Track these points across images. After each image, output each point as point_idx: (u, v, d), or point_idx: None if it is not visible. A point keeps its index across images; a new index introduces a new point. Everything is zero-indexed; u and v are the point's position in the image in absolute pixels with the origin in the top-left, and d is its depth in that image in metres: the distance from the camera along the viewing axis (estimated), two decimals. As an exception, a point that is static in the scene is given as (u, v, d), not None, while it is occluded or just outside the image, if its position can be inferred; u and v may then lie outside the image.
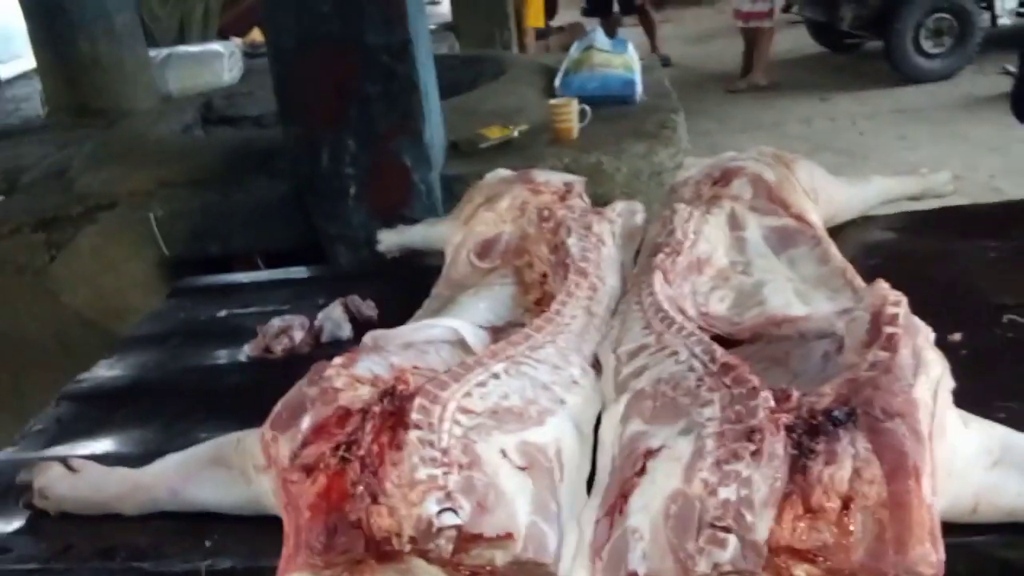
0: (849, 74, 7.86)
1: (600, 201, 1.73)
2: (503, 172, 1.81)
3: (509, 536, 0.85)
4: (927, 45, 7.24)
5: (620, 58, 3.18)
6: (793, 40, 8.88)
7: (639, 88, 3.04)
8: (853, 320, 1.02)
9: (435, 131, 2.40)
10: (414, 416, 0.91)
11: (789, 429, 0.83)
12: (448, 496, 0.85)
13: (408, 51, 2.20)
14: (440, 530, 0.83)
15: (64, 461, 1.14)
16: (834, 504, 0.79)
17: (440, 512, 0.84)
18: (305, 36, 2.21)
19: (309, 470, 0.92)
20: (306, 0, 2.15)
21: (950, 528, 0.81)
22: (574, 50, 3.36)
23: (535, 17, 6.76)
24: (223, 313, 1.74)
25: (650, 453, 0.90)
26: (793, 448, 0.82)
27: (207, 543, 1.02)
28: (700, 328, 1.14)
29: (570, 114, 2.64)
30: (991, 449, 0.89)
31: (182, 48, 5.28)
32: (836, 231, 1.57)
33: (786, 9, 8.33)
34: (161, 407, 1.39)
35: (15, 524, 1.12)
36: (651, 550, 0.81)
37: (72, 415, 1.40)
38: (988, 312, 1.29)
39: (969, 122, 5.94)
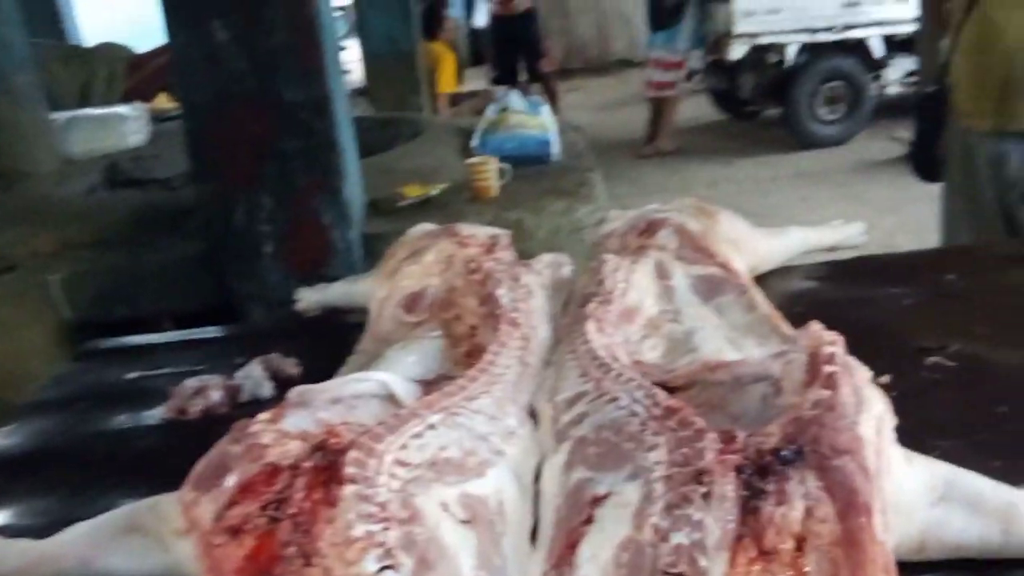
0: (751, 140, 8.19)
1: (524, 257, 1.72)
2: (426, 226, 1.78)
3: (453, 593, 0.80)
4: (822, 112, 7.63)
5: (535, 119, 3.23)
6: (696, 108, 9.22)
7: (555, 148, 3.08)
8: (789, 362, 1.02)
9: (354, 188, 2.37)
10: (349, 470, 0.86)
11: (738, 470, 0.82)
12: (388, 553, 0.80)
13: (326, 107, 2.18)
14: (379, 590, 0.78)
15: (-42, 535, 1.05)
16: (787, 545, 0.77)
17: (380, 570, 0.79)
18: (220, 92, 2.17)
19: (235, 532, 0.86)
20: (221, 56, 2.11)
21: (899, 568, 0.80)
22: (490, 111, 3.40)
23: (447, 82, 6.84)
24: (133, 375, 1.65)
25: (597, 500, 0.87)
26: (743, 489, 0.80)
27: (121, 618, 0.94)
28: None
29: (489, 172, 2.65)
30: (935, 486, 0.89)
31: (85, 111, 5.14)
32: (759, 280, 1.59)
33: (688, 79, 8.65)
34: (67, 475, 1.29)
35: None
36: (603, 602, 0.78)
37: (-32, 487, 1.30)
38: (912, 355, 1.32)
39: (865, 184, 6.23)
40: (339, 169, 2.25)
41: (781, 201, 5.96)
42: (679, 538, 0.78)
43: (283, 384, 1.47)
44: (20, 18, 3.93)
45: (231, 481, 0.90)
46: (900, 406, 0.93)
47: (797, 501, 0.78)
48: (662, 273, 1.50)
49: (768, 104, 8.28)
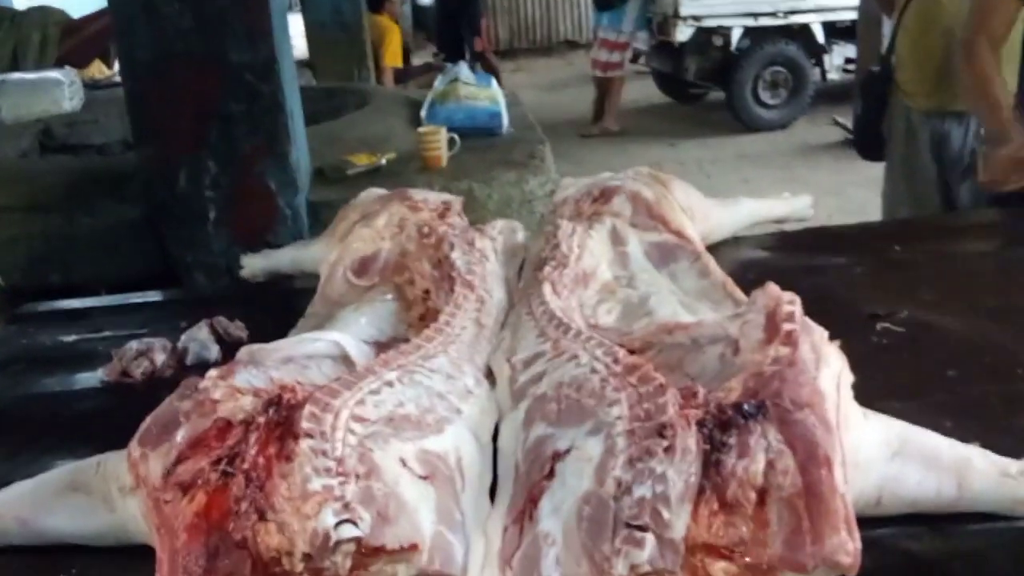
0: (694, 122, 8.26)
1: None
2: (377, 191, 1.75)
3: (414, 547, 0.78)
4: (765, 96, 7.73)
5: (485, 91, 3.20)
6: (640, 90, 9.27)
7: (505, 120, 3.06)
8: (746, 323, 1.02)
9: (301, 154, 2.32)
10: (304, 425, 0.84)
11: (700, 424, 0.81)
12: (346, 507, 0.78)
13: (273, 70, 2.12)
14: (338, 544, 0.76)
15: None
16: (749, 497, 0.77)
17: (338, 524, 0.77)
18: (163, 51, 2.10)
19: (185, 487, 0.83)
20: (164, 13, 2.04)
21: (857, 523, 0.80)
22: (439, 83, 3.36)
23: (393, 56, 6.75)
24: (71, 338, 1.60)
25: (558, 455, 0.86)
26: (705, 443, 0.80)
27: (64, 577, 0.90)
28: (592, 337, 1.11)
29: (439, 142, 2.62)
30: (891, 442, 0.90)
31: (17, 74, 4.94)
32: (710, 250, 1.59)
33: (633, 60, 8.68)
34: (5, 437, 1.24)
35: None
36: (564, 555, 0.77)
37: None
38: (861, 321, 1.34)
39: (806, 167, 6.33)
40: (286, 133, 2.19)
41: (723, 183, 6.02)
42: (642, 491, 0.77)
43: (230, 347, 1.43)
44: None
45: (181, 436, 0.87)
46: (853, 370, 0.94)
47: (759, 454, 0.78)
48: (616, 239, 1.50)
49: (712, 87, 8.35)
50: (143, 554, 0.88)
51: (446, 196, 1.72)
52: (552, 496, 0.82)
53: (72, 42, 6.79)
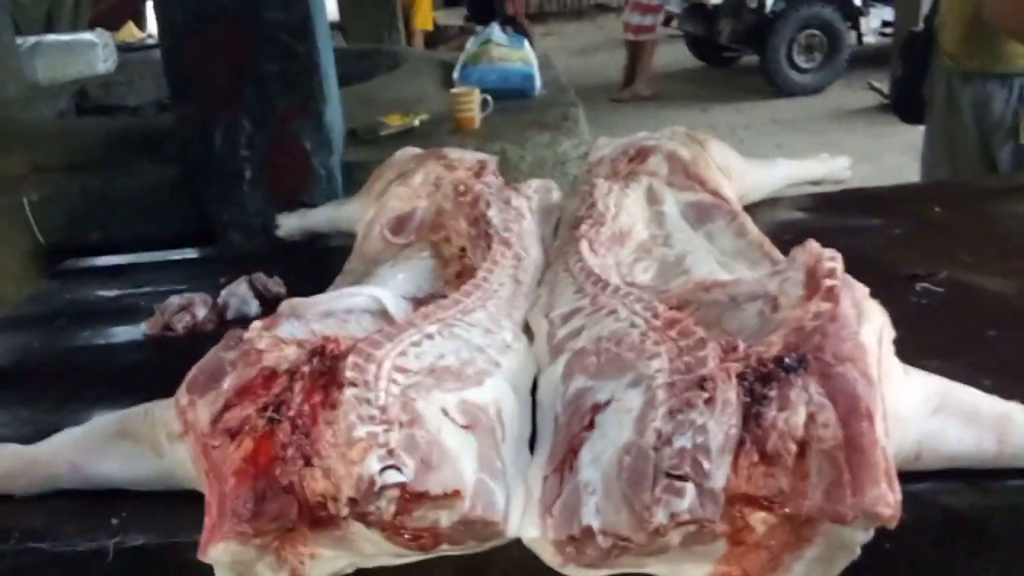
0: (727, 87, 8.17)
1: (508, 186, 1.70)
2: (413, 150, 1.76)
3: (456, 494, 0.80)
4: (800, 60, 7.61)
5: (518, 52, 3.18)
6: (673, 54, 9.16)
7: (538, 82, 3.05)
8: (786, 280, 1.02)
9: (335, 115, 2.33)
10: (348, 374, 0.85)
11: (740, 377, 0.82)
12: (390, 453, 0.79)
13: (308, 28, 2.12)
14: (382, 489, 0.78)
15: (-57, 441, 1.03)
16: (790, 449, 0.77)
17: (382, 470, 0.78)
18: (199, 10, 2.10)
19: (233, 434, 0.85)
20: (200, -28, 2.05)
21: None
22: (471, 44, 3.34)
23: (423, 20, 6.72)
24: (113, 293, 1.62)
25: (598, 407, 0.87)
26: (745, 396, 0.80)
27: (113, 521, 0.93)
28: (630, 294, 1.12)
29: (472, 103, 2.61)
30: (931, 398, 0.90)
31: (52, 36, 4.98)
32: (747, 210, 1.58)
33: (666, 23, 8.57)
34: (50, 388, 1.27)
35: None
36: (604, 503, 0.78)
37: (-55, 398, 1.27)
38: (900, 281, 1.33)
39: (840, 132, 6.25)
40: (320, 93, 2.19)
41: (756, 148, 5.94)
42: (682, 442, 0.78)
43: (269, 303, 1.45)
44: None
45: (228, 384, 0.89)
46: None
47: (800, 407, 0.79)
48: (653, 198, 1.49)
49: (745, 50, 8.24)
50: (189, 499, 0.91)
51: (481, 155, 1.72)
52: (592, 446, 0.83)
53: (105, 5, 6.84)
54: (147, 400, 1.00)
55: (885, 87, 6.63)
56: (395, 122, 2.60)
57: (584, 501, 0.80)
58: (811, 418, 0.78)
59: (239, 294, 1.47)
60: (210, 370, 0.92)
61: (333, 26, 6.55)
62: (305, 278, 1.50)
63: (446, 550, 0.85)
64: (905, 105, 2.73)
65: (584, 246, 1.26)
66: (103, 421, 1.02)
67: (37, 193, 2.41)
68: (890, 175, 4.83)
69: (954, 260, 1.38)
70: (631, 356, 0.91)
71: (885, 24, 7.82)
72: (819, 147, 1.91)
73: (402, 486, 0.78)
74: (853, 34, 7.82)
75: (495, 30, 3.44)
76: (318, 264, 1.71)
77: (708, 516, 0.75)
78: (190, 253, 1.86)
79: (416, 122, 2.64)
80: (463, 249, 1.44)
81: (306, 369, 0.87)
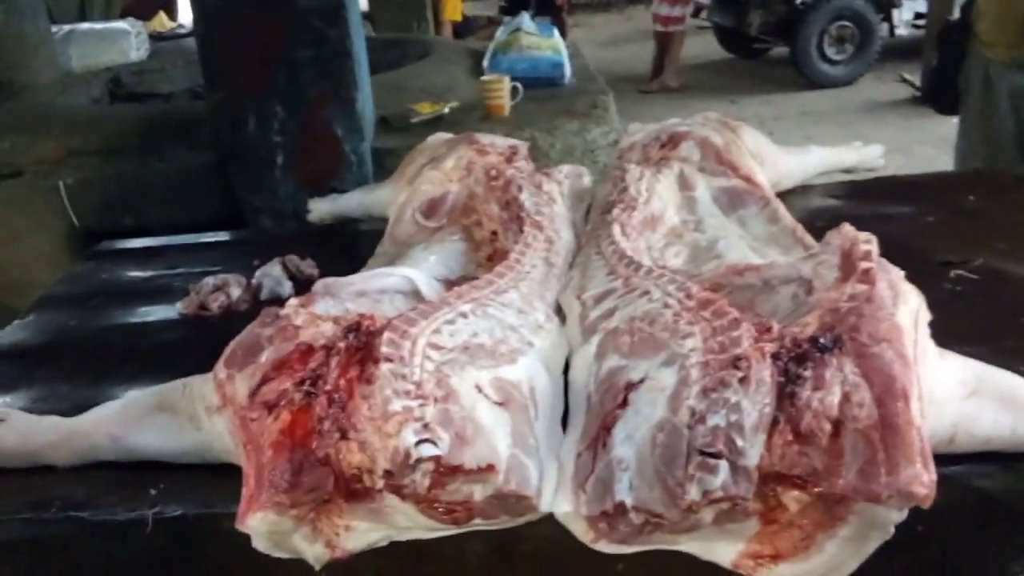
0: (756, 79, 8.09)
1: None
2: (444, 135, 1.77)
3: (491, 468, 0.81)
4: (830, 52, 7.53)
5: (548, 41, 3.18)
6: (701, 46, 9.10)
7: (568, 70, 3.04)
8: (820, 263, 1.02)
9: (366, 101, 2.34)
10: (384, 349, 0.86)
11: (775, 357, 0.82)
12: (426, 427, 0.80)
13: (340, 14, 2.14)
14: (417, 462, 0.79)
15: (-13, 412, 1.05)
16: (824, 428, 0.77)
17: (418, 443, 0.79)
18: (232, -4, 2.12)
19: (270, 407, 0.86)
20: (234, -42, 2.06)
21: (930, 457, 0.80)
22: (501, 33, 3.35)
23: (452, 10, 6.72)
24: (148, 274, 1.65)
25: (631, 385, 0.87)
26: (780, 375, 0.80)
27: (152, 492, 0.94)
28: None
29: (502, 91, 2.62)
30: (966, 380, 0.89)
31: (86, 24, 5.04)
32: (779, 197, 1.58)
33: (694, 14, 8.51)
34: (88, 364, 1.30)
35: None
36: (638, 480, 0.79)
37: (-14, 373, 1.30)
38: (934, 268, 1.32)
39: (871, 125, 6.18)
40: (352, 79, 2.21)
41: (786, 140, 5.87)
42: (716, 420, 0.78)
43: (302, 284, 1.47)
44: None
45: (265, 358, 0.90)
46: (926, 314, 0.93)
47: (835, 386, 0.78)
48: (685, 184, 1.49)
49: (776, 42, 8.16)
50: (226, 472, 0.92)
51: (513, 141, 1.72)
52: (626, 424, 0.84)
53: (137, -4, 6.89)
54: (183, 376, 1.02)
55: (917, 80, 6.57)
56: (425, 110, 2.62)
57: (617, 477, 0.80)
58: (846, 398, 0.78)
59: (273, 275, 1.49)
60: (248, 345, 0.93)
61: (362, 16, 6.59)
62: (337, 261, 1.52)
63: (479, 525, 0.86)
64: (939, 95, 2.70)
65: (616, 229, 1.26)
66: (142, 395, 1.04)
67: (72, 177, 2.45)
68: (922, 167, 4.75)
69: (989, 248, 1.36)
70: (665, 336, 0.91)
71: (918, 16, 7.72)
72: (849, 139, 1.90)
73: (437, 459, 0.79)
74: (885, 26, 7.73)
75: (525, 19, 3.44)
76: (350, 247, 1.72)
77: (741, 493, 0.76)
78: (224, 236, 1.88)
79: (446, 110, 2.65)
80: (494, 233, 1.45)
81: (342, 345, 0.88)
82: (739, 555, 0.83)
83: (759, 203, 1.45)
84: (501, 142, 1.69)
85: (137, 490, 0.95)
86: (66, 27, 4.81)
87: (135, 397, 1.03)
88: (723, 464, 0.76)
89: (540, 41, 3.15)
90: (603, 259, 1.20)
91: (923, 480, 0.74)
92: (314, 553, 0.86)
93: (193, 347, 1.10)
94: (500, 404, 0.88)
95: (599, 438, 0.85)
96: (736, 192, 1.48)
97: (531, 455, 0.85)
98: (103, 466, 1.00)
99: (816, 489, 0.78)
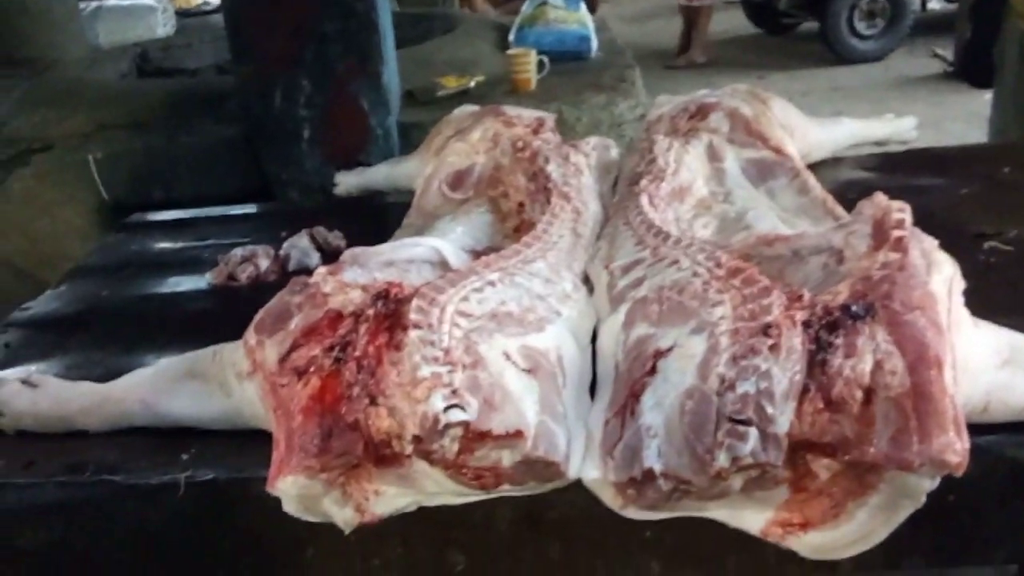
0: (785, 54, 7.98)
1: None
2: (470, 107, 1.76)
3: (519, 434, 0.81)
4: (861, 27, 7.40)
5: (574, 15, 3.16)
6: (729, 21, 8.98)
7: (594, 44, 3.02)
8: (852, 233, 1.00)
9: (392, 75, 2.33)
10: (413, 316, 0.87)
11: (806, 325, 0.81)
12: (454, 393, 0.80)
13: (367, -13, 2.12)
14: (446, 428, 0.79)
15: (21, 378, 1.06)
16: (855, 396, 0.77)
17: (446, 409, 0.79)
18: (260, -31, 2.12)
19: (300, 372, 0.87)
20: (261, -69, 2.06)
21: (964, 426, 0.79)
22: (527, 6, 3.32)
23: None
24: (178, 246, 1.66)
25: (660, 353, 0.87)
26: (811, 343, 0.80)
27: (183, 456, 0.96)
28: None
29: (528, 64, 2.60)
30: (1000, 349, 0.88)
31: (113, 0, 5.07)
32: (809, 169, 1.56)
33: (723, -11, 8.41)
34: (120, 332, 1.31)
35: (-36, 444, 1.03)
36: (666, 447, 0.79)
37: (22, 341, 1.31)
38: (968, 240, 1.30)
39: (902, 101, 6.08)
40: (379, 53, 2.20)
41: (815, 116, 5.84)
42: (745, 387, 0.77)
43: (329, 256, 1.47)
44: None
45: (295, 324, 0.90)
46: (959, 286, 0.92)
47: (866, 354, 0.78)
48: (713, 155, 1.48)
49: (805, 16, 8.04)
50: (255, 437, 0.93)
51: (539, 113, 1.71)
52: (654, 391, 0.83)
53: (163, -30, 6.90)
54: (213, 344, 1.03)
55: (949, 54, 6.46)
56: (451, 84, 2.61)
57: (646, 444, 0.80)
58: (878, 366, 0.77)
59: (300, 246, 1.49)
60: (277, 312, 0.94)
61: (387, -9, 6.58)
62: (364, 232, 1.51)
63: (507, 491, 0.86)
64: (973, 69, 2.68)
65: (644, 200, 1.26)
66: (173, 362, 1.05)
67: (102, 151, 2.47)
68: (953, 143, 4.67)
69: (1023, 219, 1.34)
70: (694, 304, 0.91)
71: (951, -10, 7.59)
72: (879, 115, 1.87)
73: (465, 425, 0.79)
74: (917, 0, 7.60)
75: (551, -8, 3.41)
76: (377, 219, 1.73)
77: (771, 460, 0.75)
78: (252, 208, 1.89)
79: (472, 84, 2.64)
80: (521, 204, 1.44)
81: (371, 312, 0.89)
82: (768, 523, 0.83)
83: (789, 174, 1.43)
84: (528, 114, 1.68)
85: (169, 455, 0.97)
86: (94, 3, 4.86)
87: (166, 364, 1.04)
88: (752, 431, 0.76)
89: (567, 15, 3.12)
90: (631, 230, 1.19)
91: (956, 448, 0.74)
92: (343, 517, 0.86)
93: (222, 317, 1.11)
94: (528, 371, 0.88)
95: (627, 405, 0.85)
96: (765, 163, 1.46)
97: (559, 422, 0.85)
98: (135, 431, 1.02)
99: (846, 457, 0.77)
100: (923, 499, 0.76)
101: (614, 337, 0.97)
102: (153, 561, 0.97)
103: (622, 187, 1.44)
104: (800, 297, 0.85)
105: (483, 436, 0.80)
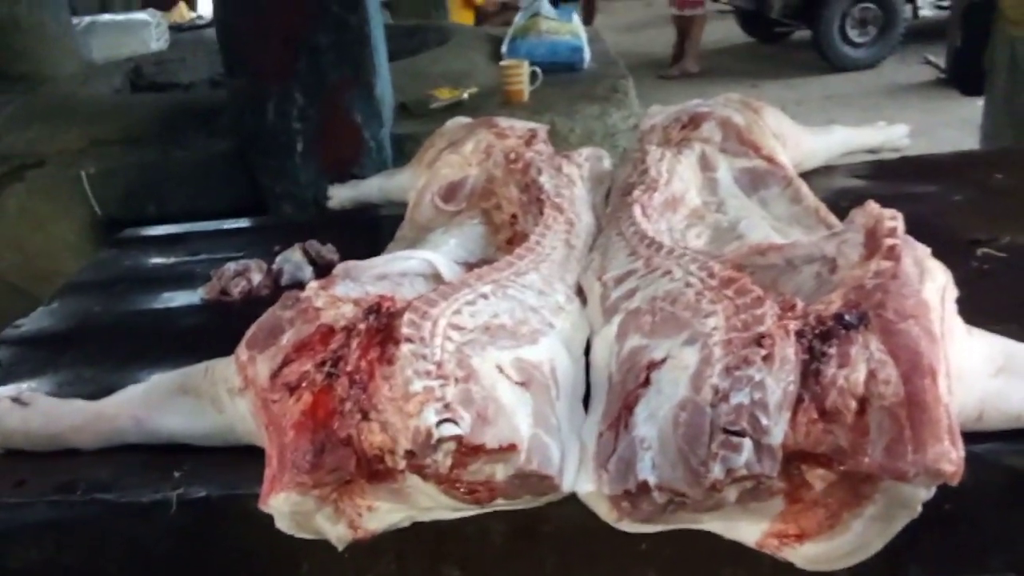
0: (778, 62, 8.03)
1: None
2: (463, 119, 1.76)
3: (512, 447, 0.80)
4: (853, 34, 7.45)
5: (567, 26, 3.17)
6: (721, 30, 9.03)
7: (587, 55, 3.03)
8: (844, 242, 1.00)
9: (385, 87, 2.34)
10: (404, 330, 0.86)
11: (799, 334, 0.81)
12: (447, 407, 0.79)
13: (360, 1, 2.13)
14: (439, 442, 0.78)
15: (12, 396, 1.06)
16: (849, 406, 0.76)
17: (439, 423, 0.79)
18: (252, -17, 2.12)
19: (292, 388, 0.86)
20: (253, -56, 2.06)
21: (958, 434, 0.79)
22: (520, 17, 3.33)
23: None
24: (170, 261, 1.66)
25: (653, 365, 0.86)
26: (804, 353, 0.79)
27: (176, 474, 0.95)
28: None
29: (521, 76, 2.61)
30: (994, 357, 0.88)
31: (107, 16, 5.08)
32: (802, 178, 1.56)
33: (715, -2, 8.45)
34: (112, 349, 1.31)
35: (-46, 464, 1.03)
36: (660, 459, 0.78)
37: (13, 358, 1.31)
38: (961, 247, 1.30)
39: (894, 108, 6.11)
40: (371, 66, 2.20)
41: (808, 124, 5.84)
42: (739, 398, 0.77)
43: (322, 269, 1.47)
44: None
45: (286, 340, 0.90)
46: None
47: (860, 364, 0.77)
48: (706, 165, 1.48)
49: (797, 24, 8.08)
50: (248, 453, 0.93)
51: (532, 124, 1.72)
52: (648, 403, 0.83)
53: (158, -15, 6.92)
54: (206, 360, 1.02)
55: (941, 62, 6.48)
56: (444, 95, 2.61)
57: (640, 456, 0.79)
58: (872, 375, 0.77)
59: (293, 260, 1.49)
60: (269, 327, 0.93)
61: (381, 3, 6.60)
62: (357, 246, 1.51)
63: (501, 505, 0.85)
64: (964, 76, 2.67)
65: (637, 211, 1.25)
66: (165, 378, 1.04)
67: (95, 166, 2.47)
68: (946, 150, 4.69)
69: (1016, 226, 1.34)
70: (687, 315, 0.90)
71: (942, -3, 7.62)
72: (872, 122, 1.88)
73: (458, 439, 0.78)
74: (908, 7, 7.64)
75: (544, 3, 3.42)
76: (370, 232, 1.73)
77: (765, 471, 0.75)
78: (244, 222, 1.88)
79: (465, 95, 2.64)
80: (514, 216, 1.44)
81: (363, 326, 0.88)
82: (763, 534, 0.82)
83: (781, 183, 1.43)
84: (520, 125, 1.68)
85: (161, 472, 0.96)
86: (87, 18, 4.86)
87: (158, 380, 1.04)
88: (747, 442, 0.75)
89: (559, 26, 3.13)
90: (624, 240, 1.19)
91: (951, 457, 0.73)
92: (337, 533, 0.86)
93: (215, 332, 1.11)
94: (521, 384, 0.88)
95: (621, 418, 0.84)
96: (758, 172, 1.46)
97: (552, 435, 0.85)
98: (127, 449, 1.01)
99: (841, 467, 0.77)
100: (919, 509, 0.76)
101: (607, 349, 0.97)
102: (146, 579, 0.96)
103: (615, 198, 1.44)
104: (793, 307, 0.85)
105: (476, 450, 0.79)
